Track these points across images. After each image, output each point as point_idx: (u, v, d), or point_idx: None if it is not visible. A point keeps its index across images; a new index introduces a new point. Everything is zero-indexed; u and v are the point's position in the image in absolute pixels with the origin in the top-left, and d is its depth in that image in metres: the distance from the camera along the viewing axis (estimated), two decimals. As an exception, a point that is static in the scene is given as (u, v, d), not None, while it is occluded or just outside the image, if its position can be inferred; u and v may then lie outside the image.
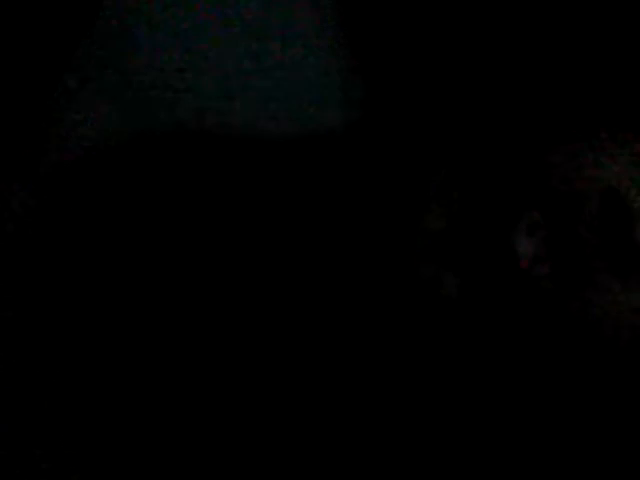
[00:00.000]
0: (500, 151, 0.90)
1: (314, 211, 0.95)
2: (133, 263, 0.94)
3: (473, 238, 0.87)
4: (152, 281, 0.94)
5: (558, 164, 0.87)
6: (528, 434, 0.90)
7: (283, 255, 0.94)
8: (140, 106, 0.96)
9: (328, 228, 0.94)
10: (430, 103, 0.96)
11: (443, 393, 0.91)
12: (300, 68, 0.97)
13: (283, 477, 0.92)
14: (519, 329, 0.87)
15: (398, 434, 0.92)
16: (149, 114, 0.96)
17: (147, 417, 0.93)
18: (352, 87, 0.97)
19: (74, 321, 0.94)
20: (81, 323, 0.94)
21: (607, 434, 0.90)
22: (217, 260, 0.95)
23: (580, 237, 0.85)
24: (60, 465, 0.92)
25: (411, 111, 0.96)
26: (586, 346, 0.87)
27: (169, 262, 0.94)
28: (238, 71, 0.97)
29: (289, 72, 0.97)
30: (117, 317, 0.94)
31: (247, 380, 0.93)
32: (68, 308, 0.94)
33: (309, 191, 0.95)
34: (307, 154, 0.96)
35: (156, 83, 0.96)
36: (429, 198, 0.90)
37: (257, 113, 0.97)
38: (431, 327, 0.90)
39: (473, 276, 0.87)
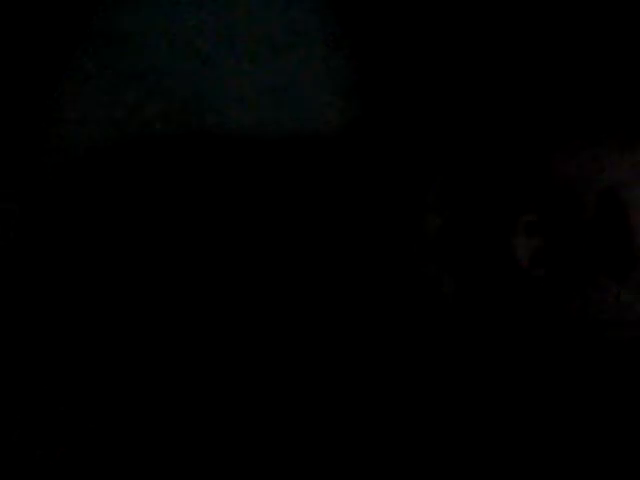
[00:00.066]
0: (499, 153, 0.90)
1: (314, 211, 0.95)
2: (133, 263, 0.94)
3: (471, 238, 0.87)
4: (152, 281, 0.94)
5: (557, 165, 0.87)
6: (527, 433, 0.90)
7: (283, 255, 0.94)
8: (140, 106, 0.96)
9: (328, 228, 0.94)
10: (430, 103, 0.96)
11: (442, 391, 0.91)
12: (300, 68, 0.97)
13: (283, 477, 0.92)
14: (516, 327, 0.87)
15: (398, 433, 0.92)
16: (149, 114, 0.96)
17: (147, 417, 0.93)
18: (352, 87, 0.97)
19: (74, 321, 0.94)
20: (81, 323, 0.94)
21: (607, 433, 0.90)
22: (217, 260, 0.94)
23: (578, 238, 0.85)
24: (60, 465, 0.92)
25: (411, 111, 0.96)
26: (585, 345, 0.87)
27: (169, 262, 0.94)
28: (238, 71, 0.97)
29: (289, 72, 0.97)
30: (117, 317, 0.94)
31: (247, 380, 0.93)
32: (68, 308, 0.94)
33: (309, 191, 0.95)
34: (307, 154, 0.96)
35: (156, 83, 0.96)
36: (429, 198, 0.90)
37: (257, 113, 0.97)
38: (431, 324, 0.90)
39: (470, 276, 0.87)
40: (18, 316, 0.94)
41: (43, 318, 0.94)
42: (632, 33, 0.95)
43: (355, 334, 0.93)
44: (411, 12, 0.97)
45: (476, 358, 0.91)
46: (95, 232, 0.95)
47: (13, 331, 0.93)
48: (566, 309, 0.86)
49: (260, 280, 0.94)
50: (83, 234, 0.95)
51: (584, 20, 0.95)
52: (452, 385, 0.91)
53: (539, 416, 0.91)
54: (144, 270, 0.94)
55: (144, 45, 0.97)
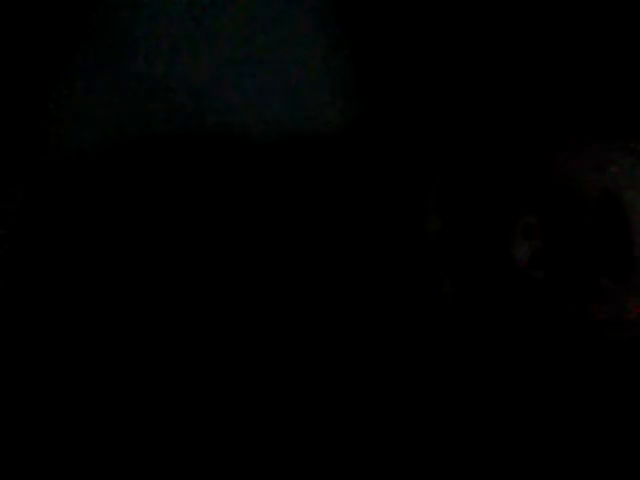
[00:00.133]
0: (498, 154, 0.90)
1: (314, 211, 0.95)
2: (133, 262, 0.94)
3: (471, 239, 0.87)
4: (153, 280, 0.94)
5: (557, 167, 0.87)
6: (528, 433, 0.91)
7: (283, 255, 0.94)
8: (139, 106, 0.96)
9: (328, 228, 0.94)
10: (429, 104, 0.96)
11: (442, 391, 0.91)
12: (300, 68, 0.97)
13: (283, 477, 0.92)
14: (516, 328, 0.87)
15: (398, 433, 0.92)
16: (148, 114, 0.96)
17: (147, 417, 0.93)
18: (352, 87, 0.97)
19: (74, 320, 0.94)
20: (81, 322, 0.94)
21: (607, 433, 0.90)
22: (218, 260, 0.95)
23: (578, 239, 0.85)
24: (60, 465, 0.92)
25: (411, 112, 0.96)
26: (584, 346, 0.87)
27: (170, 261, 0.94)
28: (238, 71, 0.97)
29: (289, 72, 0.97)
30: (117, 317, 0.94)
31: (247, 380, 0.93)
32: (67, 308, 0.94)
33: (309, 191, 0.95)
34: (307, 154, 0.96)
35: (155, 83, 0.96)
36: (428, 199, 0.90)
37: (257, 113, 0.97)
38: (431, 325, 0.90)
39: (470, 277, 0.87)
40: (18, 316, 0.94)
41: (43, 317, 0.94)
42: (632, 33, 0.94)
43: (355, 334, 0.93)
44: (411, 12, 0.97)
45: (476, 359, 0.91)
46: (95, 232, 0.95)
47: (13, 331, 0.94)
48: (566, 311, 0.86)
49: (260, 280, 0.94)
50: (83, 234, 0.95)
51: (584, 20, 0.95)
52: (452, 386, 0.92)
53: (539, 416, 0.91)
54: (145, 270, 0.94)
55: (144, 45, 0.97)
